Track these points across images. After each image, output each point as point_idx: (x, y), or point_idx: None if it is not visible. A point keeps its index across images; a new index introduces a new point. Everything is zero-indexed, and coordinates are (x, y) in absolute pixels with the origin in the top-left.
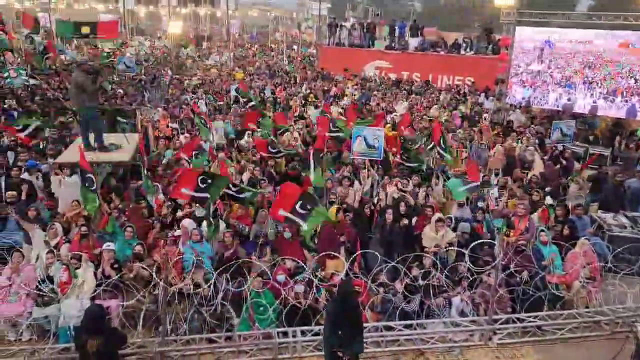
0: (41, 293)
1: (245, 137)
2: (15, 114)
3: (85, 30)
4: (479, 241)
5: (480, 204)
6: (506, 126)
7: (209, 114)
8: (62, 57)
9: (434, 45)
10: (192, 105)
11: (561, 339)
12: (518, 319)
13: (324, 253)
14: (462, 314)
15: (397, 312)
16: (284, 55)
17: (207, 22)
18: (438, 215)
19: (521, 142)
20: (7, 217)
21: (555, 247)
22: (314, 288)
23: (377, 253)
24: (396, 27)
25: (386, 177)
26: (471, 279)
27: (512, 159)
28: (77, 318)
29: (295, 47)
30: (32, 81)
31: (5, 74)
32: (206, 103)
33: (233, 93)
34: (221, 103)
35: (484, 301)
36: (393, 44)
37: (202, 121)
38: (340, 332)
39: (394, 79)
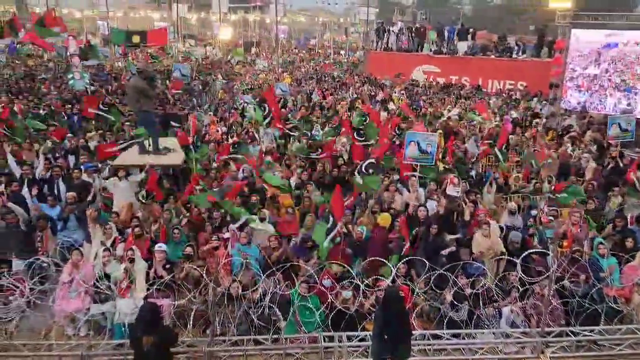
0: (98, 290)
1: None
2: (75, 118)
3: (136, 39)
4: (532, 250)
5: (532, 212)
6: (564, 132)
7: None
8: (118, 63)
9: (485, 49)
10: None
11: (619, 355)
12: (572, 332)
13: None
14: (512, 325)
15: (445, 321)
16: (331, 60)
17: (256, 28)
18: (486, 218)
19: (577, 149)
20: (68, 217)
21: (614, 258)
22: (361, 293)
23: (424, 260)
24: (445, 31)
25: (432, 183)
26: (522, 289)
27: (566, 166)
28: (131, 315)
29: (342, 52)
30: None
31: (70, 76)
32: (254, 108)
33: (278, 92)
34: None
35: (536, 313)
36: (442, 48)
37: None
38: (386, 338)
39: (442, 84)
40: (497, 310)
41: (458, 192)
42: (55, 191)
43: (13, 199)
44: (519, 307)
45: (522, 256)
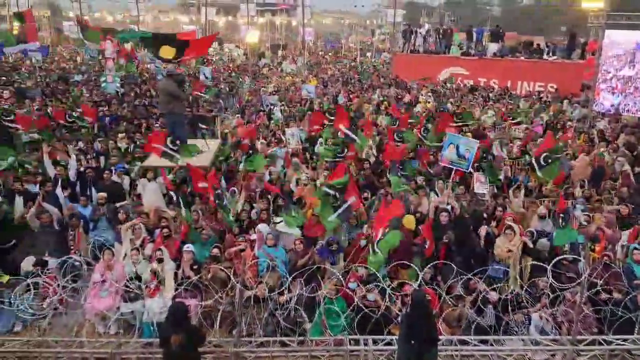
0: (128, 289)
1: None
2: (107, 119)
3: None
4: (563, 257)
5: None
6: (599, 135)
7: (284, 120)
8: (149, 66)
9: (514, 51)
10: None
11: None
12: (605, 340)
13: (397, 262)
14: (542, 332)
15: (473, 326)
16: (357, 63)
17: (282, 31)
18: (509, 223)
19: (610, 152)
20: (99, 218)
21: None
22: (387, 297)
23: (452, 264)
24: (473, 33)
25: (461, 187)
26: (552, 295)
27: (600, 170)
28: (159, 315)
29: (368, 54)
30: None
31: (102, 79)
32: (281, 110)
33: (304, 93)
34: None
35: (567, 320)
36: (470, 50)
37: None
38: (413, 342)
39: (469, 86)
40: (526, 316)
41: (486, 189)
42: (88, 192)
43: (47, 199)
44: (549, 314)
45: (553, 262)
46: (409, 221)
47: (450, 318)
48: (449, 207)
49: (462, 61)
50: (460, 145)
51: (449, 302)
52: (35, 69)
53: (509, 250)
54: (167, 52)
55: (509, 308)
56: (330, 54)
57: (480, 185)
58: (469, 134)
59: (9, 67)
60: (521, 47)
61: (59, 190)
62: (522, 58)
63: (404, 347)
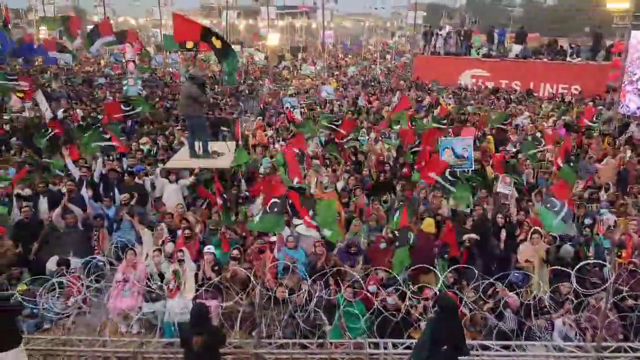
0: (150, 289)
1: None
2: (129, 122)
3: (189, 44)
4: (588, 261)
5: (587, 220)
6: (627, 139)
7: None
8: (170, 69)
9: (536, 52)
10: (287, 114)
11: None
12: (630, 347)
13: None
14: (566, 338)
15: (495, 331)
16: (377, 65)
17: (302, 34)
18: (536, 227)
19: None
20: (122, 218)
21: None
22: (407, 300)
23: (473, 268)
24: (495, 34)
25: (482, 190)
26: (576, 301)
27: (625, 173)
28: (180, 315)
29: (388, 56)
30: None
31: (125, 82)
32: (301, 112)
33: (324, 94)
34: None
35: (591, 326)
36: (491, 52)
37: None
38: (445, 348)
39: (491, 88)
40: (549, 322)
41: (510, 190)
42: (111, 193)
43: (73, 200)
44: (572, 320)
45: (576, 267)
46: (429, 224)
47: (467, 322)
48: (468, 210)
49: (483, 63)
50: (455, 146)
51: (468, 307)
52: (61, 71)
53: (527, 261)
54: (189, 44)
55: (532, 313)
56: (349, 56)
57: (505, 186)
58: (490, 137)
59: (36, 70)
60: (544, 49)
61: (83, 191)
62: (545, 59)
63: (423, 352)
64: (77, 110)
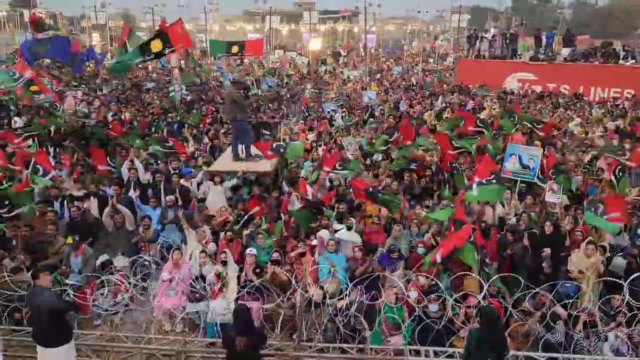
0: (194, 290)
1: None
2: (175, 125)
3: (235, 49)
4: None
5: None
6: None
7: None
8: (216, 74)
9: (587, 55)
10: (329, 118)
11: None
12: None
13: (459, 273)
14: (617, 352)
15: (541, 343)
16: (419, 69)
17: (345, 38)
18: (590, 238)
19: None
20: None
21: None
22: (449, 308)
23: (519, 277)
24: (542, 37)
25: (529, 197)
26: (629, 314)
27: None
28: (223, 316)
29: (431, 60)
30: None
31: (171, 88)
32: (342, 117)
33: (366, 99)
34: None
35: None
36: (538, 55)
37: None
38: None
39: (538, 92)
40: (599, 335)
41: (558, 198)
42: (158, 194)
43: (121, 201)
44: (625, 334)
45: (630, 278)
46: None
47: (517, 333)
48: (514, 219)
49: (530, 66)
50: (523, 155)
51: (516, 317)
52: (111, 76)
53: (580, 272)
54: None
55: (581, 326)
56: (391, 60)
57: (553, 195)
58: (537, 142)
59: (89, 75)
60: (596, 51)
61: (132, 193)
62: (597, 63)
63: None
64: (126, 113)
